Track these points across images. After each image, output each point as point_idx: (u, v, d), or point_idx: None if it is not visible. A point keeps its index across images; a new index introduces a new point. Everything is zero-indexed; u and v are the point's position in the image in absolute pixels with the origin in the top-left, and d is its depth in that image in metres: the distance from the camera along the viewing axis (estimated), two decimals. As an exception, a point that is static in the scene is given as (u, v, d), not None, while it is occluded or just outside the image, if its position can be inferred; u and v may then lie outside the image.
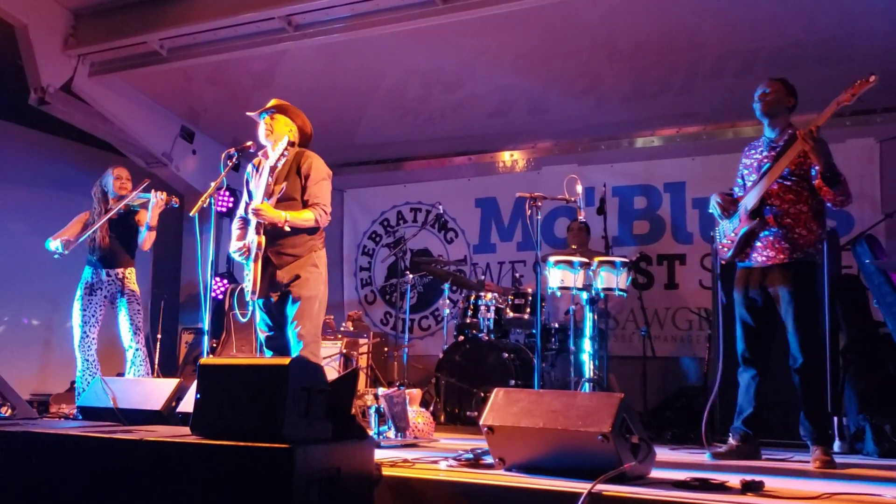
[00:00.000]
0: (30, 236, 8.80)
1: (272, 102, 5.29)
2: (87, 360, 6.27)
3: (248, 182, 5.35)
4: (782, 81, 4.91)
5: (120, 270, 6.44)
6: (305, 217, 4.98)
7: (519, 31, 7.34)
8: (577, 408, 3.56)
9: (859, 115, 7.26)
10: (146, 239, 6.40)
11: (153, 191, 6.40)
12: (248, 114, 5.35)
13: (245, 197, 5.33)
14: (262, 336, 5.16)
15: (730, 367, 5.62)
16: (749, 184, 4.93)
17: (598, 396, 3.86)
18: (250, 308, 5.10)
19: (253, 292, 4.93)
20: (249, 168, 5.36)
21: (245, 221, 5.20)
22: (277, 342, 5.08)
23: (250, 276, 4.93)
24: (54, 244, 6.32)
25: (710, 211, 5.05)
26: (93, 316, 6.36)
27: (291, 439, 3.03)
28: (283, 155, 5.03)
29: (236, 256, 5.14)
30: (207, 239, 5.58)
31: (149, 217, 6.35)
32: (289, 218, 4.91)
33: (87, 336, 6.32)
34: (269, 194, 4.96)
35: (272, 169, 5.02)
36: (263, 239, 4.92)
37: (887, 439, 5.28)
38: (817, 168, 4.55)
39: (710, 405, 5.11)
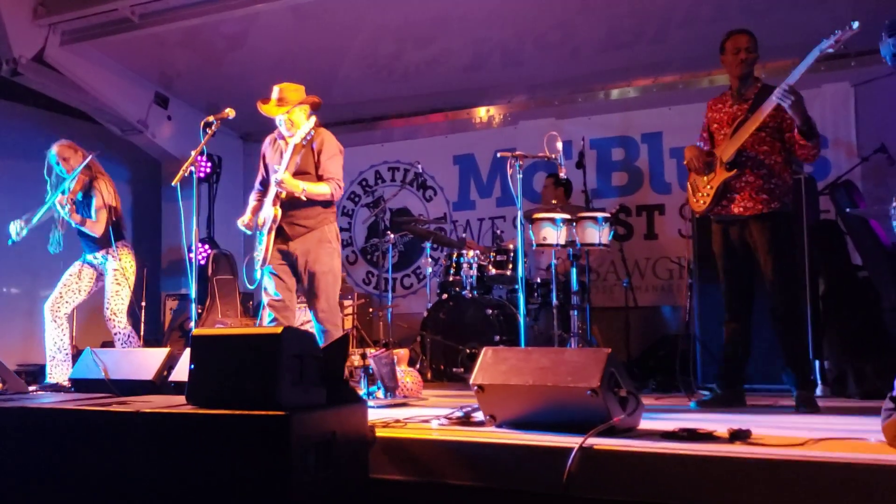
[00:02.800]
0: (6, 208, 8.75)
1: (280, 97, 5.37)
2: (55, 322, 6.19)
3: (263, 156, 5.59)
4: (751, 35, 4.93)
5: (103, 251, 6.32)
6: (322, 190, 5.22)
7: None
8: (565, 364, 3.62)
9: (834, 59, 7.21)
10: (90, 231, 6.22)
11: (68, 183, 6.18)
12: (265, 113, 5.42)
13: (262, 171, 5.59)
14: (266, 300, 5.37)
15: (708, 315, 5.73)
16: (720, 137, 4.97)
17: (587, 352, 3.92)
18: (258, 276, 5.33)
19: (263, 261, 5.22)
20: (266, 142, 5.60)
21: (261, 194, 5.50)
22: (283, 310, 5.32)
23: (262, 247, 5.23)
24: (12, 226, 6.20)
25: (685, 164, 5.09)
26: (76, 284, 6.30)
27: (286, 406, 3.07)
28: (309, 133, 5.21)
29: (242, 227, 5.45)
30: (190, 206, 5.58)
31: (67, 216, 6.18)
32: (307, 189, 5.14)
33: (62, 297, 6.24)
34: (288, 169, 5.17)
35: (296, 147, 5.20)
36: (279, 211, 5.17)
37: (868, 381, 5.39)
38: (797, 123, 4.58)
39: (679, 354, 5.19)
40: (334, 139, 5.42)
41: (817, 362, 5.62)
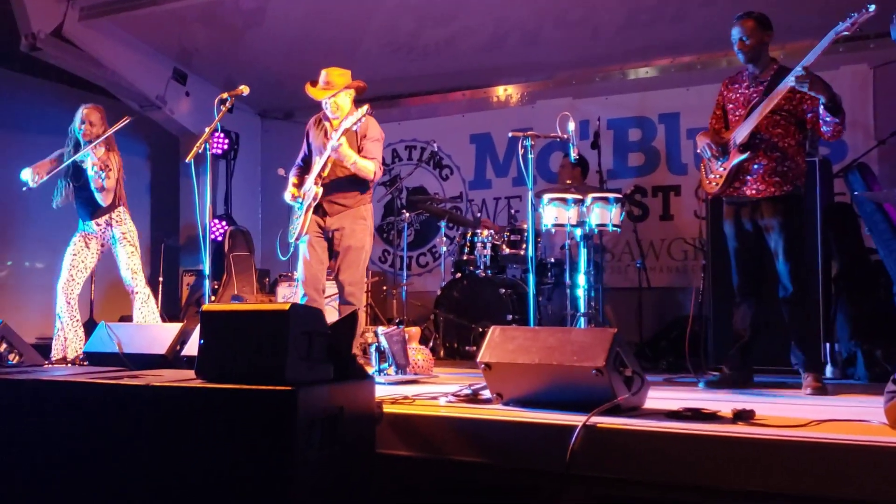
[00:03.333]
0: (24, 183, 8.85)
1: (328, 80, 5.61)
2: (69, 302, 6.23)
3: (307, 135, 5.85)
4: (755, 19, 4.88)
5: (105, 217, 6.34)
6: (368, 165, 5.52)
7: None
8: (571, 343, 3.64)
9: (852, 41, 7.18)
10: (103, 200, 6.23)
11: (91, 147, 6.22)
12: (312, 96, 5.64)
13: (304, 148, 5.90)
14: (300, 276, 5.67)
15: (721, 296, 5.73)
16: (734, 118, 4.96)
17: (593, 332, 3.95)
18: (292, 248, 5.65)
19: (299, 234, 5.52)
20: (311, 122, 5.88)
21: (301, 170, 5.78)
22: (315, 282, 5.63)
23: (299, 221, 5.52)
24: (26, 174, 6.22)
25: (699, 152, 5.08)
26: (82, 262, 6.32)
27: (293, 381, 3.10)
28: (360, 120, 5.40)
29: (288, 199, 5.68)
30: (204, 182, 5.62)
31: (91, 183, 6.20)
32: (357, 161, 5.46)
33: (73, 280, 6.28)
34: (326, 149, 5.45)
35: (346, 131, 5.41)
36: (320, 190, 5.46)
37: (878, 364, 5.39)
38: (823, 100, 4.53)
39: (690, 334, 5.20)
40: (377, 125, 5.72)
41: (827, 344, 5.61)
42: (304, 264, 5.62)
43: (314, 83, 5.65)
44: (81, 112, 6.37)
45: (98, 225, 6.35)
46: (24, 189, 6.22)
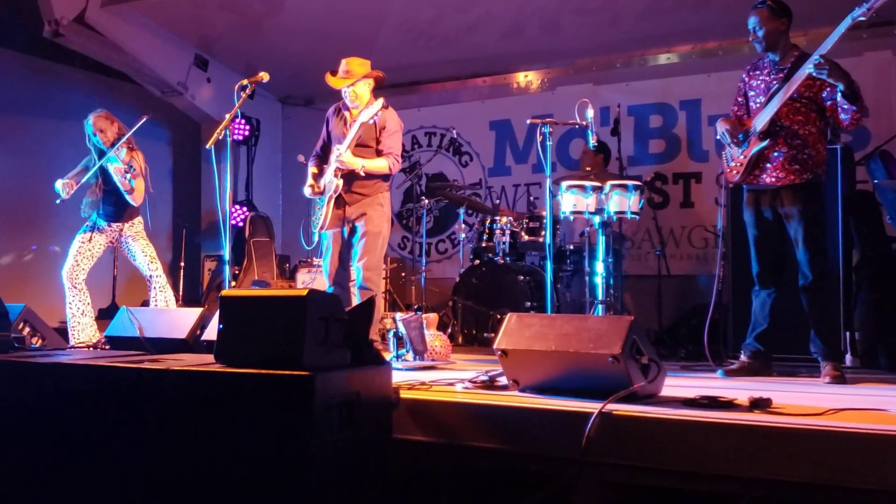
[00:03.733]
0: (49, 167, 8.92)
1: (352, 70, 5.68)
2: (74, 288, 6.29)
3: (327, 123, 5.95)
4: (767, 7, 4.85)
5: (118, 225, 6.42)
6: (380, 165, 5.64)
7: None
8: (588, 331, 3.64)
9: (876, 27, 7.15)
10: (132, 201, 6.32)
11: (114, 151, 6.28)
12: (331, 84, 5.71)
13: (323, 136, 6.00)
14: (326, 270, 5.83)
15: (741, 284, 5.70)
16: (755, 106, 4.94)
17: (609, 319, 3.95)
18: (315, 239, 5.79)
19: (321, 226, 5.66)
20: (331, 111, 5.97)
21: (319, 159, 5.91)
22: (340, 275, 5.81)
23: (322, 213, 5.65)
24: (59, 185, 6.28)
25: (718, 138, 5.06)
26: (89, 251, 6.38)
27: (311, 367, 3.12)
28: (377, 114, 5.52)
29: (308, 194, 5.81)
30: (224, 168, 5.66)
31: (118, 184, 6.27)
32: (365, 165, 5.57)
33: (78, 265, 6.32)
34: (349, 145, 5.56)
35: (362, 124, 5.55)
36: (341, 182, 5.59)
37: (898, 353, 5.37)
38: (841, 87, 4.51)
39: (709, 322, 5.19)
40: (396, 116, 5.79)
41: (848, 333, 5.58)
42: (329, 260, 5.77)
43: (334, 73, 5.71)
44: (90, 123, 6.42)
45: (110, 226, 6.43)
46: (58, 201, 6.30)
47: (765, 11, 4.85)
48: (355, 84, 5.66)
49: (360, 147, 5.63)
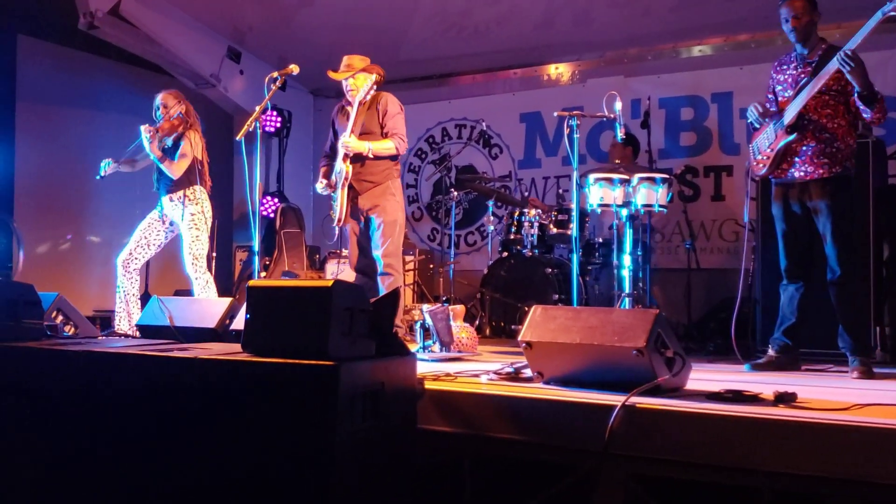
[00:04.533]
0: (84, 158, 9.04)
1: (348, 63, 5.94)
2: (126, 275, 6.30)
3: (333, 123, 6.14)
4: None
5: (179, 193, 6.37)
6: (387, 146, 5.83)
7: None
8: (612, 324, 3.64)
9: (911, 20, 7.07)
10: (168, 171, 6.31)
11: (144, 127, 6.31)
12: (330, 76, 5.98)
13: (330, 136, 6.17)
14: (351, 259, 6.10)
15: (771, 278, 5.67)
16: (784, 100, 4.91)
17: (634, 313, 3.95)
18: (336, 232, 6.00)
19: (339, 219, 5.83)
20: (335, 110, 6.17)
21: (328, 158, 6.09)
22: (363, 263, 6.00)
23: (338, 205, 5.81)
24: (103, 165, 6.42)
25: (749, 120, 5.03)
26: (146, 238, 6.38)
27: (336, 357, 3.15)
28: (369, 91, 5.78)
29: (320, 190, 6.02)
30: (254, 160, 5.71)
31: (148, 150, 6.31)
32: (372, 147, 5.77)
33: (133, 254, 6.35)
34: (353, 130, 5.78)
35: (360, 103, 5.81)
36: (350, 167, 5.70)
37: (929, 349, 5.32)
38: (857, 89, 4.49)
39: (737, 316, 5.17)
40: (395, 99, 5.95)
41: (878, 328, 5.54)
42: (351, 252, 6.04)
43: (336, 70, 5.94)
44: (158, 98, 6.49)
45: (171, 201, 6.39)
46: (97, 177, 6.45)
47: (803, 4, 4.81)
48: (355, 77, 5.87)
49: (365, 135, 5.83)
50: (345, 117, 5.97)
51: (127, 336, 5.74)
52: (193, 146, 6.40)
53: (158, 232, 6.43)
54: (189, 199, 6.37)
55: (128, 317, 6.28)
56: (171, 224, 6.45)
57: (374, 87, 5.79)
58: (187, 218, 6.34)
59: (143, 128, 6.26)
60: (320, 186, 6.01)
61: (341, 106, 6.13)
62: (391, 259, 5.82)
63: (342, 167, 5.78)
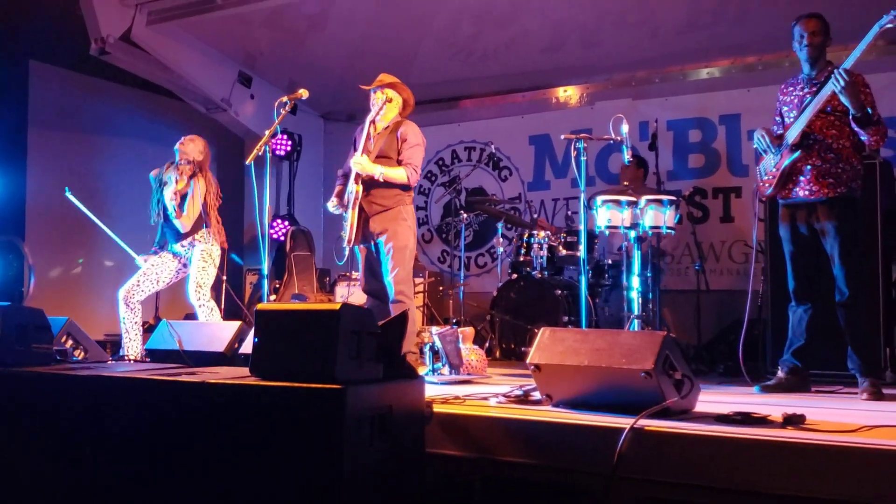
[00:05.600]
0: (96, 182, 9.10)
1: (382, 78, 5.89)
2: (128, 307, 6.27)
3: (355, 141, 6.01)
4: (821, 19, 4.87)
5: (189, 239, 6.39)
6: (398, 174, 5.70)
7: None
8: (620, 346, 3.64)
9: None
10: (178, 224, 6.32)
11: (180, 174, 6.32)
12: (361, 87, 5.94)
13: (351, 154, 6.00)
14: (361, 281, 6.01)
15: (781, 299, 5.66)
16: (789, 120, 4.92)
17: (642, 335, 3.95)
18: (346, 253, 5.87)
19: (350, 240, 5.71)
20: (357, 130, 6.06)
21: (345, 177, 5.94)
22: (373, 286, 5.89)
23: (348, 225, 5.70)
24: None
25: (755, 145, 5.05)
26: (156, 274, 6.39)
27: (343, 380, 3.16)
28: (381, 109, 5.75)
29: (332, 209, 5.90)
30: (264, 184, 5.74)
31: (169, 209, 6.32)
32: (384, 172, 5.65)
33: (139, 285, 6.32)
34: (367, 150, 5.72)
35: (373, 125, 5.80)
36: (360, 188, 5.64)
37: (939, 370, 5.29)
38: (851, 112, 4.51)
39: (745, 338, 5.16)
40: (419, 131, 5.88)
41: (888, 349, 5.51)
42: (361, 274, 5.97)
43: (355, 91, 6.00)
44: (177, 146, 6.47)
45: (182, 246, 6.44)
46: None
47: (818, 23, 4.85)
48: (384, 89, 5.82)
49: (380, 158, 5.74)
50: (366, 136, 5.89)
51: (136, 360, 5.76)
52: (203, 194, 6.38)
53: (169, 271, 6.46)
54: (198, 240, 6.42)
55: (132, 342, 6.28)
56: (184, 266, 6.49)
57: (384, 105, 5.75)
58: (197, 255, 6.39)
59: (168, 195, 6.29)
60: (332, 205, 5.92)
61: (364, 127, 5.98)
62: (402, 286, 5.70)
63: (353, 187, 5.70)
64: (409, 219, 5.84)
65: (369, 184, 5.70)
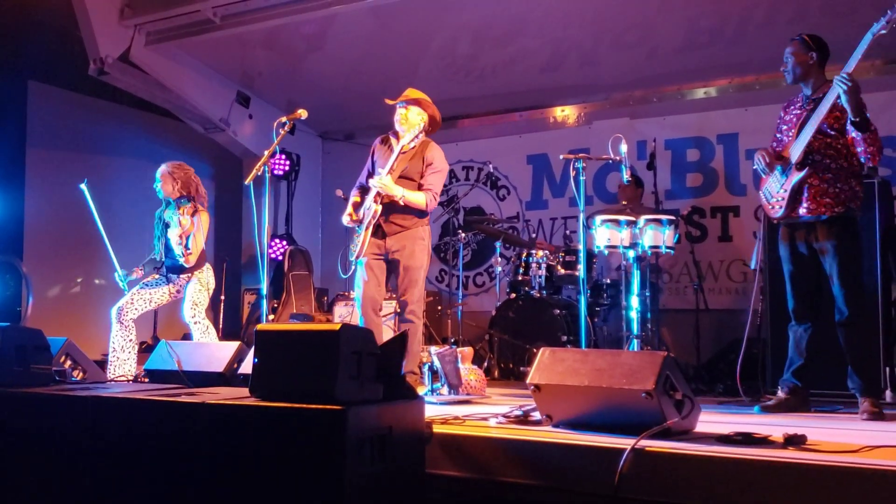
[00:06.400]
0: (94, 201, 9.09)
1: (409, 94, 5.80)
2: (121, 324, 6.24)
3: (373, 154, 5.95)
4: (799, 41, 4.92)
5: (185, 276, 6.39)
6: (418, 199, 5.64)
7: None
8: (621, 366, 3.64)
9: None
10: (185, 262, 6.28)
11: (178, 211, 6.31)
12: (387, 101, 5.82)
13: (367, 167, 5.97)
14: (358, 294, 5.77)
15: (780, 318, 5.65)
16: (788, 139, 4.93)
17: (642, 355, 3.95)
18: (352, 267, 5.74)
19: (358, 254, 5.62)
20: (377, 142, 5.98)
21: (363, 190, 5.86)
22: (373, 303, 5.75)
23: (359, 240, 5.62)
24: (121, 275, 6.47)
25: (755, 166, 5.06)
26: (150, 294, 6.36)
27: (343, 401, 3.16)
28: (416, 138, 5.61)
29: (346, 222, 5.79)
30: (262, 204, 5.73)
31: (175, 251, 6.29)
32: (405, 195, 5.57)
33: (131, 304, 6.28)
34: (391, 171, 5.59)
35: (402, 149, 5.61)
36: (379, 208, 5.56)
37: (939, 389, 5.28)
38: (850, 115, 4.51)
39: (744, 357, 5.15)
40: (444, 156, 5.86)
41: (888, 369, 5.50)
42: (363, 285, 5.72)
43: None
44: (157, 173, 6.44)
45: (180, 278, 6.43)
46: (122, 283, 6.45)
47: (796, 43, 4.93)
48: (408, 106, 5.73)
49: (403, 179, 5.65)
50: (387, 149, 5.81)
51: (136, 380, 5.73)
52: (204, 229, 6.39)
53: (164, 294, 6.43)
54: (196, 275, 6.42)
55: (117, 364, 6.22)
56: (179, 292, 6.48)
57: (423, 133, 5.64)
58: (194, 281, 6.40)
59: (174, 237, 6.26)
60: (346, 218, 5.79)
61: (386, 137, 5.95)
62: (416, 306, 5.65)
63: (372, 205, 5.60)
64: (426, 238, 5.80)
65: (389, 205, 5.61)
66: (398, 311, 5.75)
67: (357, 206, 5.82)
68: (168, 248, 6.39)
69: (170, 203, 6.39)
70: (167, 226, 6.37)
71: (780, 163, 4.92)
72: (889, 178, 6.24)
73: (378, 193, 5.58)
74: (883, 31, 4.43)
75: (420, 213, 5.73)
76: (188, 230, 6.22)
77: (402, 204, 5.58)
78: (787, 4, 7.14)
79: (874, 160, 4.65)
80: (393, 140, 5.82)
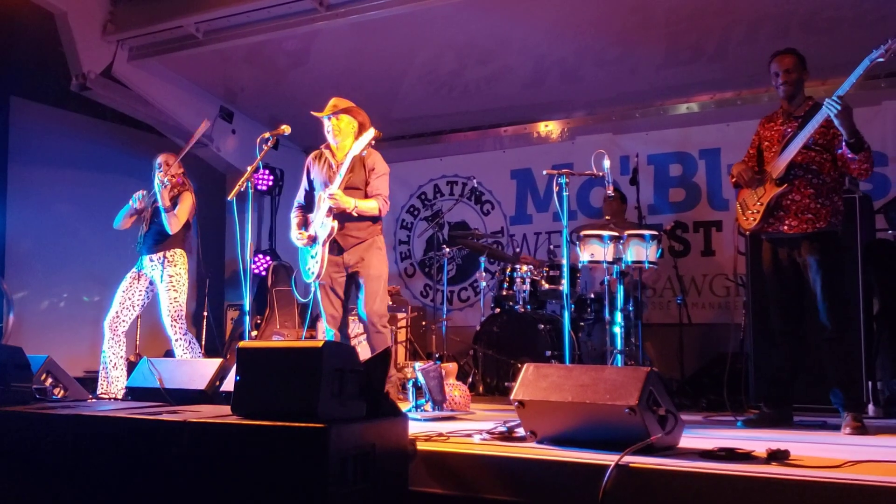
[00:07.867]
0: (77, 218, 9.05)
1: (334, 104, 5.74)
2: (114, 338, 6.31)
3: (308, 173, 5.90)
4: (796, 54, 4.92)
5: (159, 254, 6.43)
6: (370, 206, 5.61)
7: (551, 0, 7.36)
8: (604, 382, 3.64)
9: (894, 76, 7.17)
10: (168, 222, 6.38)
11: (158, 173, 6.43)
12: (313, 114, 5.78)
13: (304, 185, 5.91)
14: (324, 314, 5.73)
15: (763, 333, 5.67)
16: (770, 154, 4.95)
17: (626, 370, 3.94)
18: (312, 289, 5.73)
19: (319, 274, 5.53)
20: (310, 159, 5.93)
21: (303, 210, 5.83)
22: (338, 322, 5.74)
23: (318, 259, 5.52)
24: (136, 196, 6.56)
25: (732, 182, 5.08)
26: (129, 299, 6.43)
27: (326, 418, 3.15)
28: (368, 145, 5.59)
29: (298, 242, 5.71)
30: (245, 220, 5.72)
31: (160, 200, 6.39)
32: (358, 205, 5.54)
33: (119, 317, 6.37)
34: (340, 184, 5.54)
35: (354, 159, 5.57)
36: (336, 224, 5.50)
37: (922, 403, 5.30)
38: (845, 136, 4.54)
39: (728, 372, 5.16)
40: (382, 159, 5.80)
41: (870, 383, 5.52)
42: (325, 306, 5.71)
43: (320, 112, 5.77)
44: (158, 158, 6.63)
45: (151, 261, 6.44)
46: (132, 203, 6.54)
47: (793, 59, 4.91)
48: (339, 116, 5.69)
49: (349, 189, 5.60)
50: (325, 166, 5.75)
51: (116, 399, 5.70)
52: (189, 206, 6.52)
53: (139, 291, 6.48)
54: (168, 262, 6.42)
55: (109, 381, 6.23)
56: (151, 283, 6.51)
57: (371, 143, 5.61)
58: (165, 279, 6.38)
59: (158, 174, 6.39)
60: (298, 240, 5.71)
61: (318, 153, 5.89)
62: (380, 318, 5.65)
63: (327, 222, 5.53)
64: (383, 248, 5.82)
65: (342, 217, 5.56)
66: (368, 326, 5.69)
67: (302, 226, 5.79)
68: (151, 226, 6.49)
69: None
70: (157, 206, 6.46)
71: (759, 177, 4.94)
72: (870, 192, 6.29)
73: (330, 209, 5.52)
74: (881, 59, 4.43)
75: (374, 220, 5.74)
76: (176, 184, 6.43)
77: (355, 214, 5.55)
78: (768, 21, 7.19)
79: (866, 175, 4.68)
80: (328, 153, 5.79)
